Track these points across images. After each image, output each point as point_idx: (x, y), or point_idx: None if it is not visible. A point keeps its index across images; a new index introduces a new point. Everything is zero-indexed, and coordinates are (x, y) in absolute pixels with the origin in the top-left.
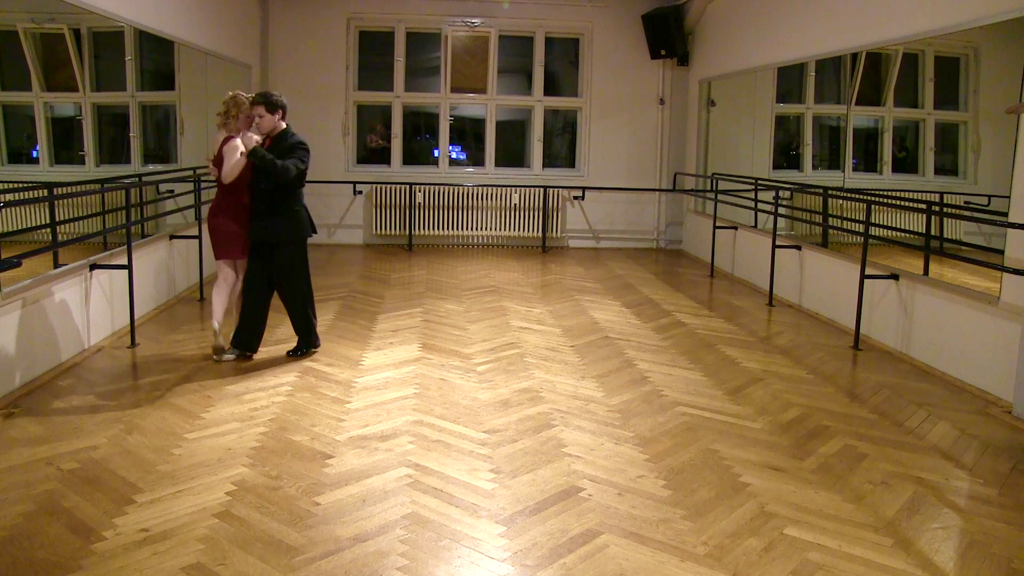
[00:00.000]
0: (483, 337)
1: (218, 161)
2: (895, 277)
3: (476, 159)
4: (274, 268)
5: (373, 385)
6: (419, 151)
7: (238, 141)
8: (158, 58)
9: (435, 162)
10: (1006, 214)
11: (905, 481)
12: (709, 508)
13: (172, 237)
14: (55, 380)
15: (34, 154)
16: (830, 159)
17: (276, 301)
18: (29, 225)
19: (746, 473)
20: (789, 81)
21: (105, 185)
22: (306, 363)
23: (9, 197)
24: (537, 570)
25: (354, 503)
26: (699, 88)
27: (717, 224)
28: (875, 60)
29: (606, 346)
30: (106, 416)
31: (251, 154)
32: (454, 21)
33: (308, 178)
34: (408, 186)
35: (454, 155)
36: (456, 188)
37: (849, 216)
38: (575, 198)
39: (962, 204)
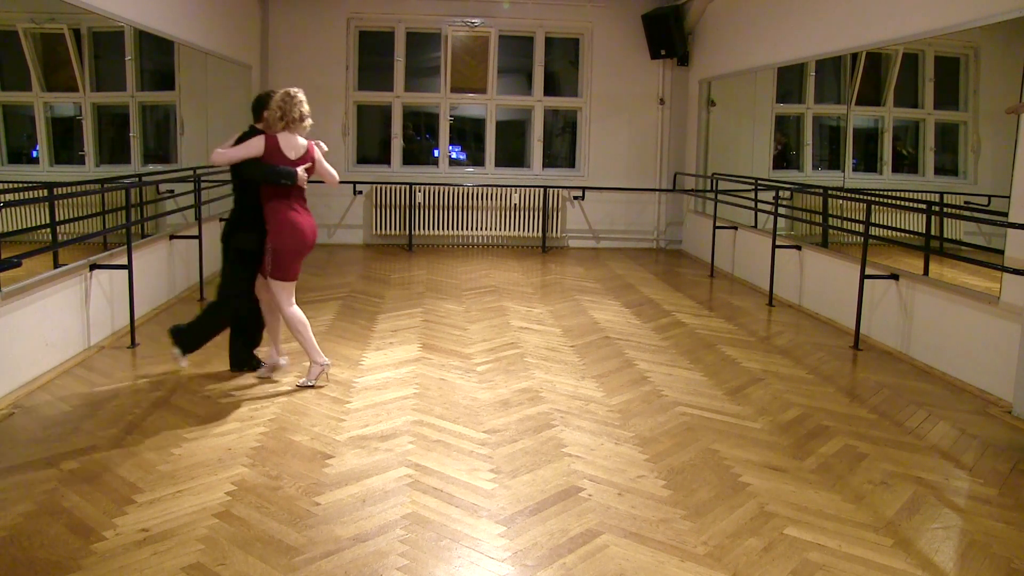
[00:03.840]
0: (483, 337)
1: (313, 169)
2: (895, 277)
3: (476, 159)
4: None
5: (373, 385)
6: (419, 151)
7: None
8: (158, 58)
9: (435, 162)
10: (1006, 214)
11: (905, 481)
12: (709, 508)
13: (172, 237)
14: (55, 380)
15: (34, 154)
16: (830, 159)
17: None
18: (29, 225)
19: (746, 473)
20: (789, 81)
21: (105, 185)
22: (306, 363)
23: (9, 197)
24: (537, 570)
25: (354, 503)
26: (699, 88)
27: (717, 224)
28: (875, 60)
29: (606, 346)
30: (106, 416)
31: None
32: (454, 21)
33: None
34: (408, 186)
35: (454, 155)
36: (456, 188)
37: (849, 216)
38: (575, 198)
39: (962, 204)
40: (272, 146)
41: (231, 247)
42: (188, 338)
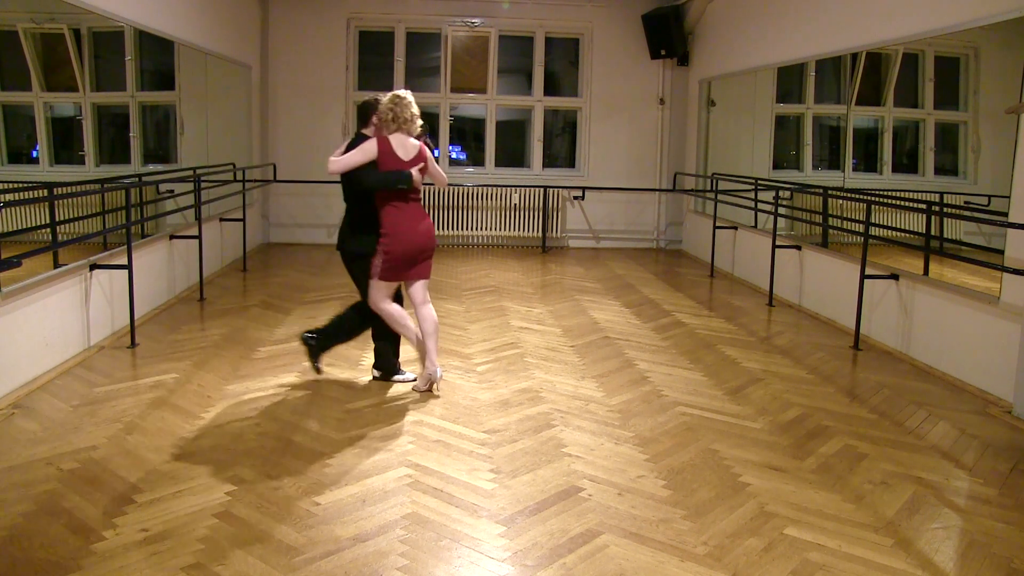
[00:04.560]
0: (483, 337)
1: (426, 169)
2: (895, 277)
3: (476, 159)
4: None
5: (373, 385)
6: None
7: None
8: (158, 58)
9: (435, 162)
10: (1006, 214)
11: (905, 481)
12: (709, 508)
13: (172, 237)
14: (55, 380)
15: (34, 154)
16: (830, 159)
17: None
18: (29, 225)
19: (746, 473)
20: (789, 81)
21: (105, 185)
22: (306, 363)
23: (9, 197)
24: (537, 570)
25: (354, 503)
26: (699, 88)
27: (717, 224)
28: (875, 60)
29: (606, 346)
30: (106, 416)
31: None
32: (454, 21)
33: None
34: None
35: (454, 155)
36: (456, 188)
37: (849, 216)
38: (575, 198)
39: (962, 204)
40: (385, 148)
41: (348, 252)
42: (324, 340)
